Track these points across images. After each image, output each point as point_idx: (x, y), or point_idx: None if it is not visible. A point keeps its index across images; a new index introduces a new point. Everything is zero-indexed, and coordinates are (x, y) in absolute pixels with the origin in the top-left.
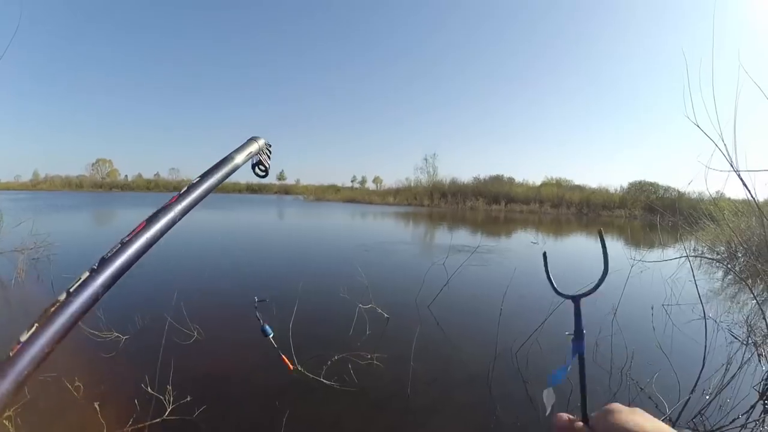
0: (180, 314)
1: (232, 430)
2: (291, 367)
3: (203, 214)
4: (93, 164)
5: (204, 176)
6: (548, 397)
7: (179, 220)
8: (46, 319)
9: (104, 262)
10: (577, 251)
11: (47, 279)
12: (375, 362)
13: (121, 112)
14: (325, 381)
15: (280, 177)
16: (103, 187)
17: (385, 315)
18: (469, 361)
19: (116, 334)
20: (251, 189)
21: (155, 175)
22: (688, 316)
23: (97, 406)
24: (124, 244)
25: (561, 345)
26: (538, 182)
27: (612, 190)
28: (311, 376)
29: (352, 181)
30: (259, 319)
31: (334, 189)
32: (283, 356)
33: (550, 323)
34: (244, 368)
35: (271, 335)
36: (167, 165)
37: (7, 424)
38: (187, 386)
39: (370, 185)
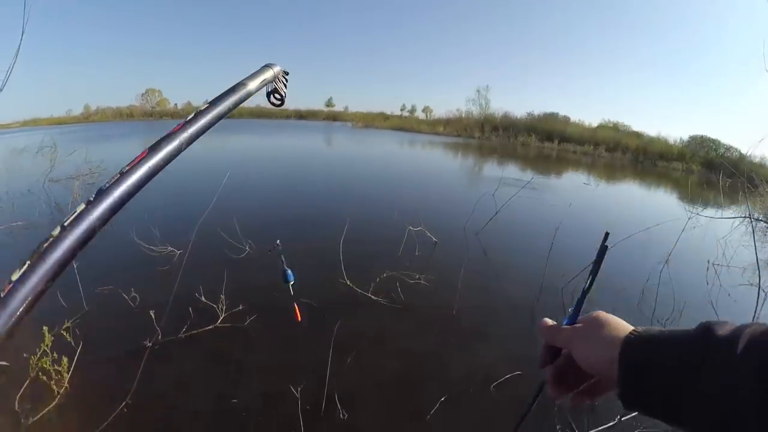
0: (233, 231)
1: (281, 338)
2: (299, 318)
3: (254, 138)
4: (142, 94)
5: (213, 103)
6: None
7: (185, 148)
8: (38, 255)
9: (101, 193)
10: (627, 199)
11: None
12: (422, 282)
13: (171, 43)
14: (372, 296)
15: (328, 104)
16: (153, 115)
17: (434, 239)
18: (514, 291)
19: (171, 249)
20: (299, 115)
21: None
22: (736, 280)
23: (152, 315)
24: (124, 175)
25: (607, 288)
26: (595, 124)
27: (671, 141)
28: (359, 291)
29: (401, 110)
30: (282, 263)
31: (383, 116)
32: (296, 306)
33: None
34: (294, 284)
35: (292, 282)
36: (216, 92)
37: (65, 335)
38: (238, 297)
39: (419, 114)
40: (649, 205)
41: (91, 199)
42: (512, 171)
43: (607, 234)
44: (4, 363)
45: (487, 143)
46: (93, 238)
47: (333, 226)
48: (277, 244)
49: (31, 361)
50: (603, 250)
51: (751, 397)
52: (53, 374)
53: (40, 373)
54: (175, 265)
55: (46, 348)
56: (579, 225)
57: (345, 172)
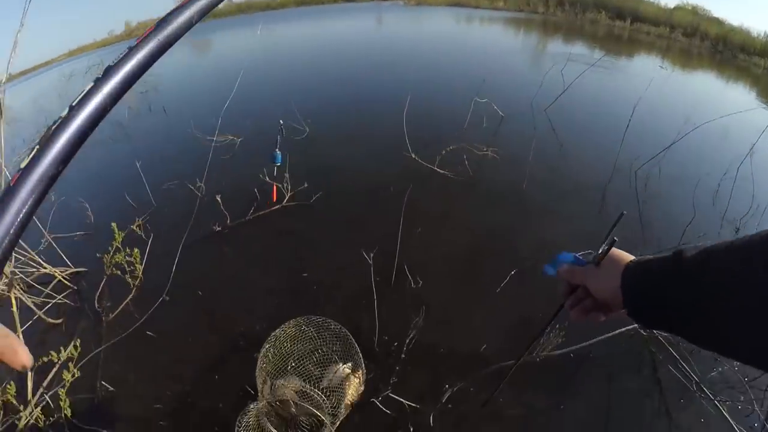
0: (292, 115)
1: (347, 214)
2: (275, 198)
3: (303, 25)
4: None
5: None
6: (551, 269)
7: (197, 21)
8: (47, 139)
9: (110, 70)
10: (705, 87)
11: (158, 108)
12: (490, 155)
13: None
14: (438, 170)
15: None
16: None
17: (500, 113)
18: (585, 171)
19: (231, 137)
20: None
21: None
22: None
23: (219, 199)
24: (132, 50)
25: (686, 176)
26: (672, 5)
27: (755, 34)
28: (425, 164)
29: None
30: (276, 143)
31: None
32: (275, 187)
33: (678, 149)
34: (357, 160)
35: (278, 164)
36: None
37: (137, 230)
38: (302, 176)
39: None
40: (728, 97)
41: (99, 76)
42: (580, 49)
43: (622, 214)
44: (82, 269)
45: (551, 19)
46: (105, 116)
47: (394, 101)
48: (281, 124)
49: (105, 260)
50: (619, 217)
51: (704, 304)
52: (127, 268)
53: (114, 269)
54: (236, 152)
55: (117, 245)
56: (653, 108)
57: (402, 49)
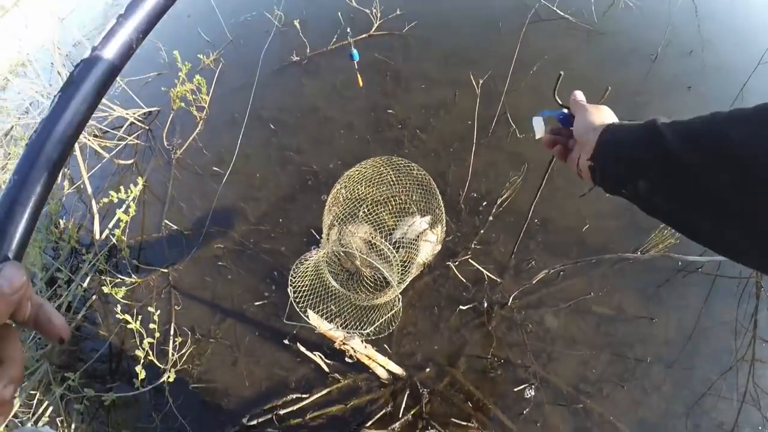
0: None
1: (444, 48)
2: (360, 84)
3: None
4: None
5: None
6: (537, 124)
7: None
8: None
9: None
10: None
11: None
12: (623, 2)
13: None
14: (558, 11)
15: None
16: None
17: None
18: (734, 50)
19: None
20: None
21: None
22: None
23: (297, 25)
24: None
25: None
26: None
27: None
28: (543, 1)
29: None
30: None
31: None
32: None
33: None
34: None
35: (357, 60)
36: None
37: (210, 64)
38: (394, 1)
39: None
40: None
41: (122, 13)
42: None
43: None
44: (154, 108)
45: None
46: (132, 52)
47: None
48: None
49: (171, 94)
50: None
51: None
52: (193, 102)
53: (180, 103)
54: None
55: (183, 76)
56: None
57: None
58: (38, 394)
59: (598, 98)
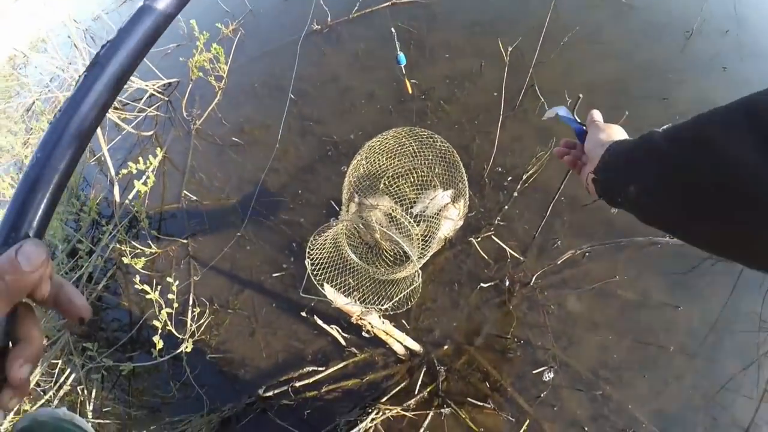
0: None
1: (470, 17)
2: (410, 91)
3: None
4: None
5: None
6: (550, 114)
7: None
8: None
9: None
10: None
11: None
12: None
13: None
14: None
15: None
16: None
17: None
18: None
19: None
20: None
21: None
22: None
23: None
24: None
25: None
26: None
27: None
28: None
29: None
30: (396, 47)
31: None
32: (407, 81)
33: None
34: None
35: (403, 64)
36: None
37: (230, 34)
38: None
39: None
40: None
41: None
42: None
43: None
44: (174, 79)
45: None
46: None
47: None
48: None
49: (190, 63)
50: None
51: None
52: (212, 71)
53: (199, 72)
54: None
55: (201, 46)
56: None
57: None
58: (60, 363)
59: (625, 81)
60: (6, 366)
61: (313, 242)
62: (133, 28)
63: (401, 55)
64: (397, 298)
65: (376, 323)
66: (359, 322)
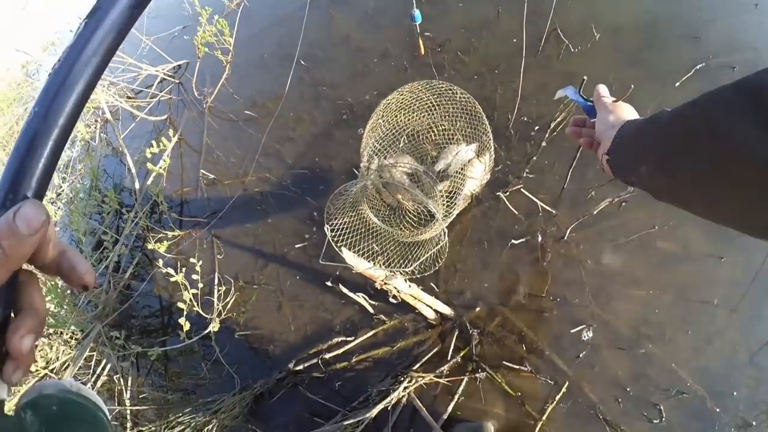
0: None
1: None
2: (423, 52)
3: None
4: None
5: None
6: (559, 95)
7: None
8: None
9: None
10: None
11: None
12: None
13: None
14: None
15: None
16: None
17: None
18: None
19: None
20: None
21: None
22: None
23: None
24: None
25: None
26: None
27: None
28: None
29: None
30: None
31: None
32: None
33: None
34: None
35: (419, 22)
36: None
37: (235, 6)
38: None
39: None
40: None
41: None
42: None
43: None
44: (183, 61)
45: None
46: None
47: None
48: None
49: (195, 41)
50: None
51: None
52: (218, 45)
53: (205, 49)
54: None
55: (204, 21)
56: None
57: None
58: (96, 354)
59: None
60: (6, 337)
61: (332, 206)
62: None
63: (417, 12)
64: (422, 259)
65: (403, 287)
66: (384, 287)
